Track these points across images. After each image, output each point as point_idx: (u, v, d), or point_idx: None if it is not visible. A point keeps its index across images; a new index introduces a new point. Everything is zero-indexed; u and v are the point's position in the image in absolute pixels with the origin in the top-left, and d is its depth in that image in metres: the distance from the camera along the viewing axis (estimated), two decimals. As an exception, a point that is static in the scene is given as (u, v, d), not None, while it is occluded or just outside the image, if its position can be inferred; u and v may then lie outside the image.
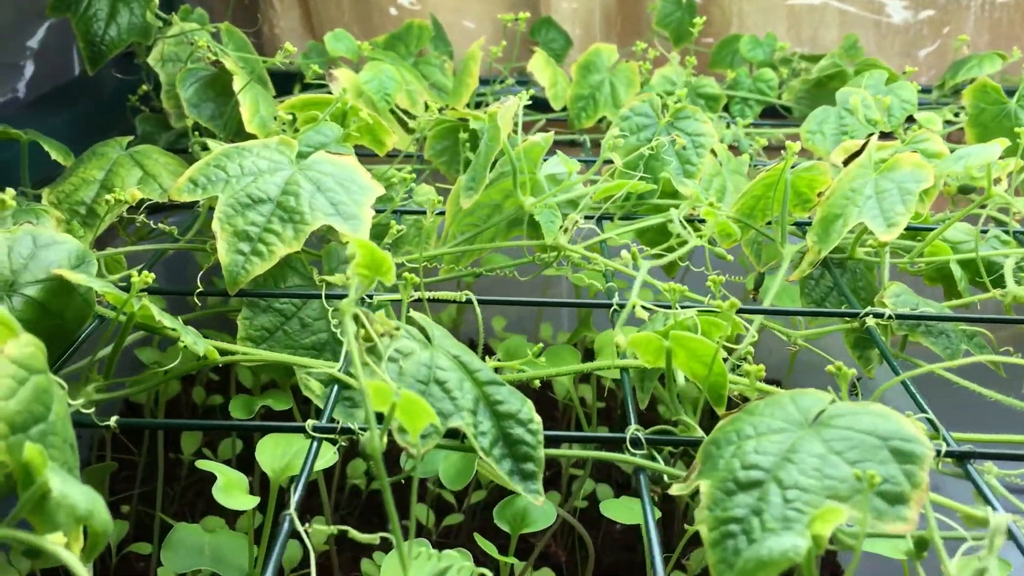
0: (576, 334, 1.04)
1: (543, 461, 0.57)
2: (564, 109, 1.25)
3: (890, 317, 0.75)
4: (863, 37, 1.43)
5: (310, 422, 0.59)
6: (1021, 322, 0.79)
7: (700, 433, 0.60)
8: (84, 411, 0.56)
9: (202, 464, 0.68)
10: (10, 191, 0.56)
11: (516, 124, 0.87)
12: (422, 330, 0.58)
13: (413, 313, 0.59)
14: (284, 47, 0.90)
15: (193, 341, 0.63)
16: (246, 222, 0.77)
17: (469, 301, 0.74)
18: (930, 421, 0.60)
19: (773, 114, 1.31)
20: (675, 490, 0.55)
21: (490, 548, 0.72)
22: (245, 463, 1.19)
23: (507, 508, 0.76)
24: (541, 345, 0.71)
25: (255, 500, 0.66)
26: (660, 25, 1.39)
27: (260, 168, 0.80)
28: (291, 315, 0.79)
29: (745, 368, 0.59)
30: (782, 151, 0.84)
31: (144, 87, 1.20)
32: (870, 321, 0.75)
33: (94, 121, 1.28)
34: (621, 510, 0.75)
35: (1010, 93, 1.05)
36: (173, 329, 0.63)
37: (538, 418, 0.58)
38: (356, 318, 0.49)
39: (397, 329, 0.52)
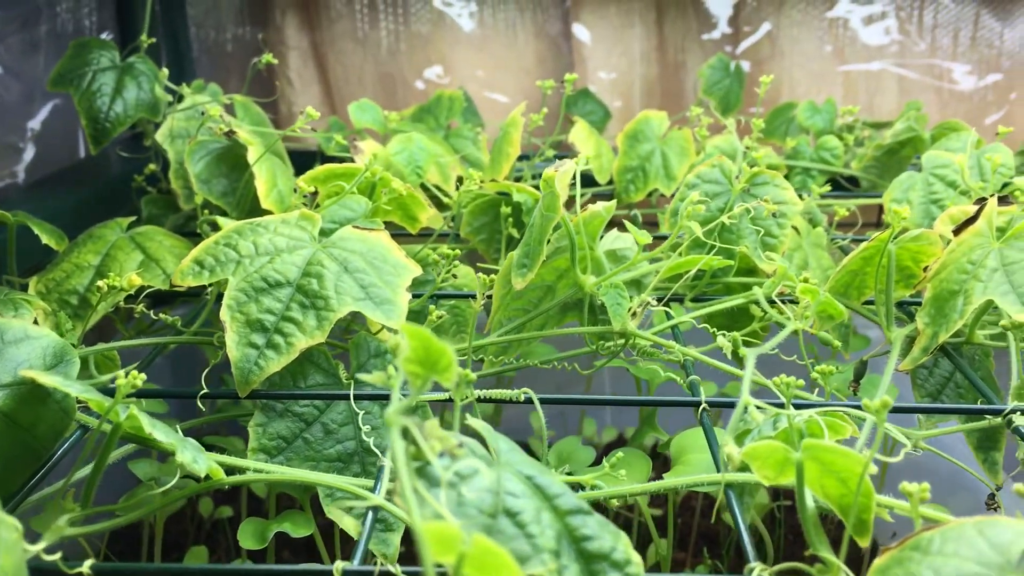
0: (640, 434, 0.91)
1: (647, 617, 0.43)
2: (609, 183, 1.14)
3: (1041, 414, 0.62)
4: (923, 105, 1.33)
5: (339, 564, 0.46)
6: None
7: (847, 573, 0.46)
8: (46, 556, 0.43)
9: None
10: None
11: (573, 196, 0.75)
12: (483, 442, 0.45)
13: (471, 420, 0.46)
14: (306, 111, 0.79)
15: (192, 458, 0.50)
16: (260, 309, 0.65)
17: (529, 400, 0.61)
18: None
19: (833, 186, 1.19)
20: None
21: None
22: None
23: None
24: (620, 455, 0.58)
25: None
26: (707, 93, 1.29)
27: (278, 247, 0.68)
28: (313, 420, 0.66)
29: (904, 487, 0.46)
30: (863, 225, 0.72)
31: (152, 166, 1.10)
32: (1017, 419, 0.62)
33: (100, 205, 1.18)
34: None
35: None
36: (167, 444, 0.50)
37: (637, 557, 0.44)
38: (406, 432, 0.36)
39: (460, 447, 0.39)
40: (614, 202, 0.74)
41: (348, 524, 0.38)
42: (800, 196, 1.02)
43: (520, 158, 1.18)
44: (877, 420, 0.45)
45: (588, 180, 1.14)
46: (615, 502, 0.57)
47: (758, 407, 0.52)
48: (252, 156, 0.85)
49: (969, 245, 0.72)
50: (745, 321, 0.83)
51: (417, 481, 0.40)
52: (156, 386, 0.90)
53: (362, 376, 0.41)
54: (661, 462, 1.14)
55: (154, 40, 1.09)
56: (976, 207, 0.74)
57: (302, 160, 1.23)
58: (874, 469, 0.46)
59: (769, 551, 0.86)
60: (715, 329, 0.84)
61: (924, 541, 0.42)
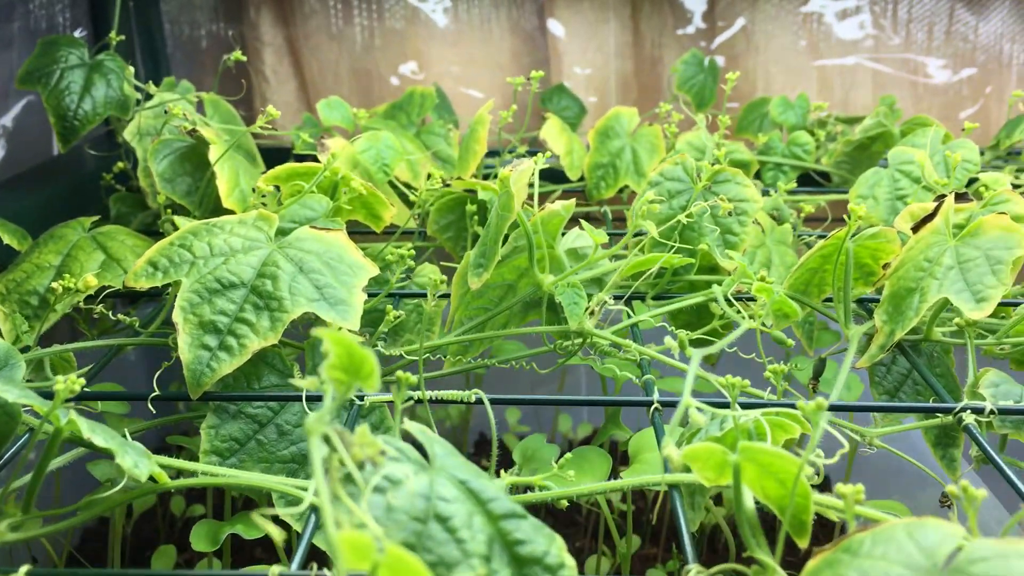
0: (604, 432, 0.91)
1: (579, 621, 0.43)
2: (581, 179, 1.14)
3: (991, 412, 0.62)
4: (898, 99, 1.33)
5: (275, 569, 0.46)
6: None
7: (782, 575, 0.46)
8: (-23, 564, 0.43)
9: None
10: None
11: (532, 196, 0.75)
12: (419, 447, 0.45)
13: (408, 423, 0.46)
14: (267, 110, 0.79)
15: (133, 463, 0.50)
16: (214, 311, 0.65)
17: (480, 401, 0.61)
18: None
19: (807, 181, 1.19)
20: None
21: None
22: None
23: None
24: (569, 456, 0.58)
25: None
26: (681, 89, 1.29)
27: (233, 247, 0.68)
28: (266, 421, 0.66)
29: (839, 489, 0.46)
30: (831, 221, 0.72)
31: (121, 164, 1.10)
32: (967, 417, 0.62)
33: (72, 202, 1.18)
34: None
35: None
36: (105, 448, 0.50)
37: (571, 561, 0.44)
38: (327, 439, 0.36)
39: (382, 454, 0.39)
40: (573, 201, 0.74)
41: (272, 531, 0.38)
42: (768, 193, 1.03)
43: (492, 154, 1.18)
44: (812, 422, 0.45)
45: (559, 177, 1.14)
46: (564, 503, 0.57)
47: (699, 408, 0.52)
48: (213, 155, 0.85)
49: (926, 242, 0.72)
50: (708, 319, 0.83)
51: (343, 488, 0.40)
52: (119, 387, 0.90)
53: (294, 381, 0.41)
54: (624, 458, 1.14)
55: (124, 37, 1.09)
56: (933, 205, 0.74)
57: (276, 157, 1.22)
58: (810, 470, 0.46)
59: (732, 545, 0.86)
60: (678, 327, 0.84)
61: (855, 543, 0.43)
